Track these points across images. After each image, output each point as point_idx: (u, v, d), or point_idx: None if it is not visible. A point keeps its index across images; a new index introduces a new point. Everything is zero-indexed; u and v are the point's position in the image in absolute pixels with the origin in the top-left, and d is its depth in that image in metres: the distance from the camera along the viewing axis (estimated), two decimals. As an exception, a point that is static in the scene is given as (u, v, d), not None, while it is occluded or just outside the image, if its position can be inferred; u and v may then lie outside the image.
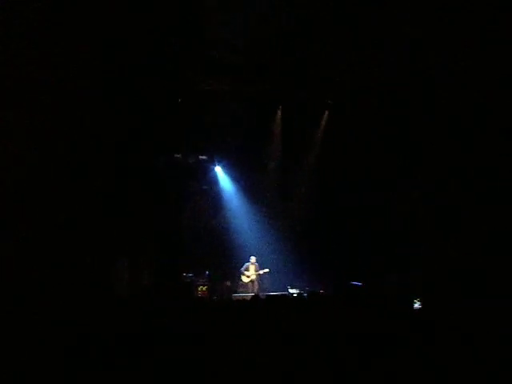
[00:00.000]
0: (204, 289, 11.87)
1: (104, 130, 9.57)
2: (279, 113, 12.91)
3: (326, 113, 12.94)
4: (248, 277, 12.36)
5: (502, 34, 8.69)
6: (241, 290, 12.30)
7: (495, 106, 9.00)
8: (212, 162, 13.19)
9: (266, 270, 12.34)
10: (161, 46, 10.08)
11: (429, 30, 9.49)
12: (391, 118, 11.16)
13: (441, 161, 10.38)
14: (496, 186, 9.06)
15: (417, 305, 5.20)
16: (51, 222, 8.05)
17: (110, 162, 9.85)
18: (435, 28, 9.41)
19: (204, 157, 13.05)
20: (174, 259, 11.99)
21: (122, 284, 10.23)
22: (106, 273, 9.51)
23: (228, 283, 12.61)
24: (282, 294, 9.58)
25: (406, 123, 11.05)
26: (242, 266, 12.46)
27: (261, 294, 11.46)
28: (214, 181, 13.34)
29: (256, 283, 12.30)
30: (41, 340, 3.71)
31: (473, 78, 9.16)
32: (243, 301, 5.79)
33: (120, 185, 10.31)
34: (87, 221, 8.93)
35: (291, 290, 11.90)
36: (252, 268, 12.36)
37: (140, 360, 3.69)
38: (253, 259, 12.37)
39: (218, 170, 13.28)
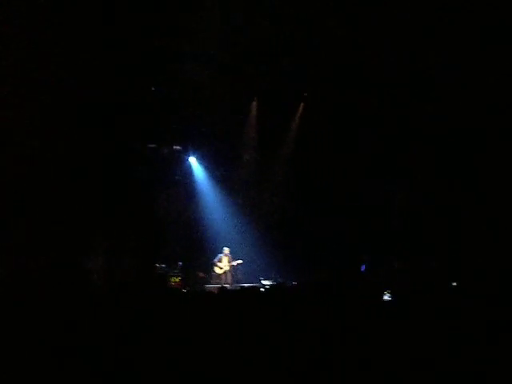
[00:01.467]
0: (177, 280, 11.83)
1: (79, 119, 9.44)
2: (255, 104, 12.89)
3: (302, 105, 12.99)
4: (221, 268, 12.36)
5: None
6: (214, 281, 12.30)
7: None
8: (186, 152, 13.11)
9: (239, 262, 12.36)
10: (134, 37, 9.96)
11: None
12: (364, 111, 11.26)
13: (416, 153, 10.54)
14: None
15: (386, 297, 5.25)
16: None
17: (84, 150, 9.73)
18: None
19: (178, 147, 12.96)
20: (148, 250, 11.92)
21: (97, 271, 10.14)
22: (81, 264, 9.42)
23: (201, 274, 12.59)
24: (252, 286, 9.65)
25: (377, 115, 11.17)
26: (215, 257, 12.46)
27: (234, 285, 11.52)
28: (188, 171, 13.26)
29: (229, 274, 12.31)
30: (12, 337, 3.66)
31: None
32: (211, 293, 5.80)
33: (94, 173, 10.19)
34: (60, 213, 8.84)
35: (264, 282, 11.96)
36: (225, 259, 12.37)
37: (117, 351, 3.68)
38: (226, 250, 12.38)
39: (193, 160, 13.21)
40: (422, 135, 10.46)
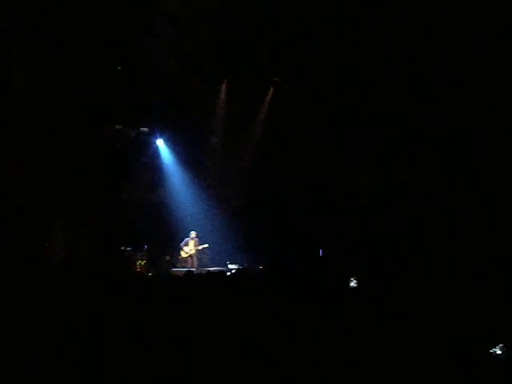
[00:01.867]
0: (142, 263, 11.74)
1: (48, 98, 9.20)
2: (224, 86, 12.78)
3: (271, 89, 12.94)
4: (187, 252, 12.32)
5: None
6: (180, 264, 12.26)
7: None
8: (154, 134, 12.93)
9: (206, 246, 12.34)
10: (103, 16, 9.71)
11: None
12: (336, 97, 11.30)
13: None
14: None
15: (353, 283, 5.32)
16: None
17: (52, 129, 9.49)
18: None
19: (145, 129, 12.77)
20: (113, 232, 11.76)
21: (59, 256, 9.96)
22: (41, 244, 9.23)
23: (167, 258, 12.53)
24: (219, 270, 9.64)
25: (351, 102, 11.23)
26: (181, 241, 12.39)
27: (200, 269, 11.50)
28: (155, 154, 13.10)
29: (195, 258, 12.28)
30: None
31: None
32: (178, 276, 5.77)
33: (61, 153, 9.96)
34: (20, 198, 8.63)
35: (230, 266, 11.98)
36: (192, 243, 12.32)
37: (81, 334, 3.63)
38: (193, 234, 12.33)
39: (160, 143, 13.05)
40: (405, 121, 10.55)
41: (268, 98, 12.98)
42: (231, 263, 12.22)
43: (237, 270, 11.35)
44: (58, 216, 10.08)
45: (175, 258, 12.50)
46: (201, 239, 12.39)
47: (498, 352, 5.03)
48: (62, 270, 9.39)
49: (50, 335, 3.59)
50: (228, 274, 6.76)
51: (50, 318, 3.87)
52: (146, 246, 12.02)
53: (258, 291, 4.77)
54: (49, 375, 3.16)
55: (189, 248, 12.30)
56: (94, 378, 3.22)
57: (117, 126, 12.28)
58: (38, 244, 9.02)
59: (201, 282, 4.95)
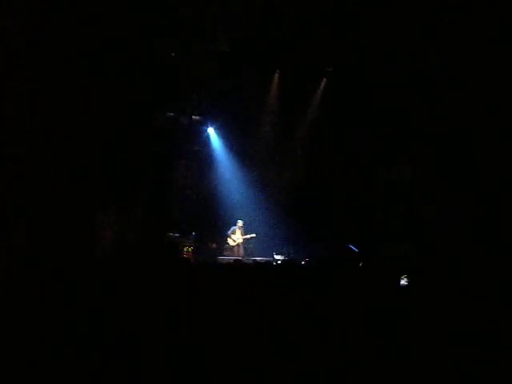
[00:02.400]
0: (189, 250, 11.87)
1: (97, 86, 9.36)
2: (277, 76, 12.71)
3: (324, 80, 12.77)
4: (234, 240, 12.36)
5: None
6: (226, 253, 12.32)
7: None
8: (205, 123, 13.02)
9: (253, 235, 12.34)
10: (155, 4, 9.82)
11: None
12: (390, 89, 11.01)
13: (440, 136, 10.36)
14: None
15: (403, 281, 5.17)
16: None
17: (105, 116, 9.67)
18: None
19: (197, 117, 12.87)
20: (162, 218, 11.95)
21: (107, 242, 10.18)
22: (89, 229, 9.45)
23: (214, 245, 12.62)
24: (266, 260, 9.64)
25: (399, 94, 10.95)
26: (228, 229, 12.45)
27: (246, 258, 11.54)
28: (206, 142, 13.20)
29: (241, 247, 12.32)
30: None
31: None
32: (227, 264, 5.77)
33: (112, 139, 10.15)
34: (78, 174, 8.84)
35: (277, 257, 11.95)
36: (238, 232, 12.36)
37: (124, 320, 3.67)
38: (240, 223, 12.36)
39: (211, 131, 13.12)
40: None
41: (320, 88, 12.82)
42: (277, 254, 12.19)
43: (283, 261, 11.33)
44: (108, 202, 10.29)
45: (222, 246, 12.58)
46: (248, 228, 12.41)
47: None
48: (111, 255, 9.63)
49: (100, 320, 3.63)
50: (275, 264, 6.73)
51: (99, 303, 3.92)
52: (193, 233, 12.16)
53: (304, 285, 4.71)
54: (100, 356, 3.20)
55: (236, 236, 12.35)
56: (138, 363, 3.24)
57: (168, 114, 12.44)
58: (87, 230, 9.25)
59: (248, 271, 4.94)
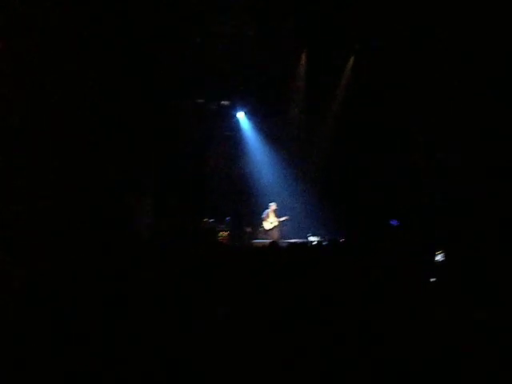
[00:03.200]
0: (225, 234, 11.98)
1: (126, 72, 9.46)
2: (304, 57, 12.57)
3: (352, 58, 12.56)
4: (270, 223, 12.39)
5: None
6: (261, 236, 12.37)
7: None
8: (234, 107, 13.03)
9: (286, 218, 12.34)
10: None
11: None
12: (422, 64, 10.74)
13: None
14: None
15: (439, 257, 5.08)
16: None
17: (131, 107, 9.78)
18: None
19: (226, 102, 12.89)
20: (196, 204, 12.08)
21: (145, 228, 10.38)
22: (128, 216, 9.63)
23: (248, 229, 12.69)
24: (302, 242, 9.63)
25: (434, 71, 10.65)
26: (262, 213, 12.48)
27: (281, 241, 11.55)
28: (236, 126, 13.21)
29: (276, 230, 12.33)
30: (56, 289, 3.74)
31: None
32: (262, 247, 5.80)
33: (143, 130, 10.27)
34: (112, 162, 9.00)
35: (311, 238, 11.93)
36: (272, 215, 12.37)
37: (163, 302, 3.72)
38: (273, 206, 12.36)
39: (241, 115, 13.12)
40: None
41: (349, 66, 12.62)
42: (312, 235, 12.16)
43: (318, 242, 11.31)
44: (144, 190, 10.47)
45: (256, 230, 12.63)
46: (281, 211, 12.41)
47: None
48: (150, 240, 9.79)
49: (139, 306, 3.69)
50: (312, 245, 6.72)
51: (137, 289, 3.98)
52: (227, 218, 12.25)
53: (342, 264, 4.70)
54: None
55: (270, 220, 12.37)
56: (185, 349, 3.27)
57: (198, 100, 12.49)
58: (127, 216, 9.43)
59: (285, 254, 4.96)
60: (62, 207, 7.64)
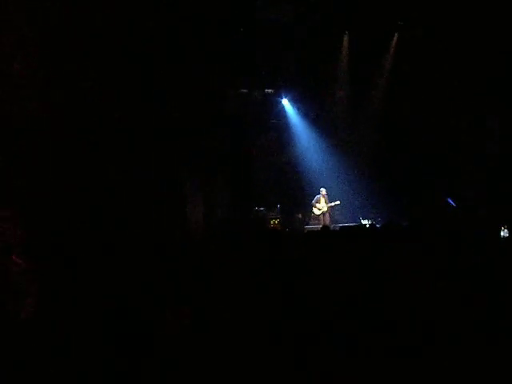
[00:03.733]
0: (276, 222, 12.04)
1: (169, 67, 9.58)
2: (346, 38, 12.39)
3: (396, 35, 12.27)
4: (319, 209, 12.35)
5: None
6: (312, 222, 12.37)
7: None
8: (279, 95, 13.02)
9: (337, 202, 12.27)
10: None
11: None
12: (469, 38, 10.36)
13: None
14: None
15: (504, 233, 4.93)
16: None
17: (176, 100, 9.90)
18: None
19: (270, 90, 12.89)
20: (246, 194, 12.18)
21: (198, 218, 10.55)
22: (181, 207, 9.82)
23: (299, 216, 12.71)
24: (355, 225, 9.56)
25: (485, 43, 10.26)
26: (312, 199, 12.46)
27: (332, 225, 11.51)
28: (282, 114, 13.21)
29: (327, 215, 12.29)
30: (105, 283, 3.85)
31: None
32: (315, 232, 5.81)
33: (189, 123, 10.39)
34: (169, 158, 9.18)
35: (363, 221, 11.84)
36: (323, 200, 12.32)
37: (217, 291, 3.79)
38: (323, 191, 12.31)
39: (285, 102, 13.11)
40: None
41: (393, 43, 12.34)
42: (364, 219, 12.06)
43: (370, 225, 11.20)
44: (196, 177, 10.62)
45: (307, 216, 12.63)
46: (331, 195, 12.35)
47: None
48: (202, 231, 9.98)
49: (195, 295, 3.76)
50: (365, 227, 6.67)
51: (195, 279, 4.06)
52: (278, 206, 12.30)
53: (397, 247, 4.63)
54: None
55: (321, 205, 12.33)
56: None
57: (242, 90, 12.54)
58: (181, 207, 9.62)
59: (338, 237, 4.95)
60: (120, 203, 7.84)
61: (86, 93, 7.79)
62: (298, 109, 13.06)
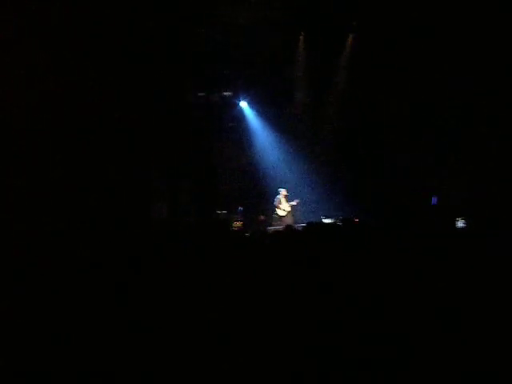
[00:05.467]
0: (239, 224, 11.99)
1: (129, 70, 9.46)
2: (301, 39, 12.49)
3: (351, 36, 12.45)
4: (283, 209, 12.38)
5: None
6: (275, 223, 12.36)
7: None
8: (236, 97, 12.98)
9: (297, 201, 12.30)
10: None
11: None
12: (424, 36, 10.61)
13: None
14: None
15: (460, 223, 5.04)
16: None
17: (135, 103, 9.77)
18: None
19: (228, 93, 12.84)
20: (208, 198, 12.10)
21: (159, 224, 10.39)
22: (144, 213, 9.69)
23: (262, 217, 12.69)
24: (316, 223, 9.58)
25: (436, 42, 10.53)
26: (274, 200, 12.47)
27: (295, 225, 11.53)
28: (240, 117, 13.18)
29: (290, 215, 12.33)
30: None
31: None
32: (278, 231, 5.79)
33: (147, 127, 10.26)
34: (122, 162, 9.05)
35: (325, 220, 11.91)
36: (284, 201, 12.36)
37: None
38: (283, 192, 12.35)
39: (244, 105, 13.09)
40: None
41: (348, 44, 12.52)
42: (326, 218, 12.14)
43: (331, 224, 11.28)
44: (159, 183, 10.52)
45: (270, 217, 12.63)
46: (293, 196, 12.39)
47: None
48: (166, 230, 9.82)
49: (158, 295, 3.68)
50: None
51: (157, 278, 3.98)
52: (240, 208, 12.26)
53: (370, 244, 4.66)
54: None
55: (282, 206, 12.36)
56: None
57: (199, 93, 12.46)
58: (145, 206, 9.50)
59: (303, 235, 4.95)
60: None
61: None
62: (257, 110, 13.06)
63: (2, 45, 6.87)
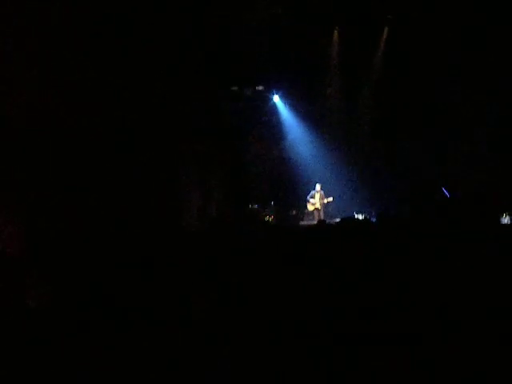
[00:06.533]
0: (270, 219, 12.02)
1: (160, 68, 9.54)
2: (336, 34, 12.36)
3: (386, 29, 12.25)
4: (313, 204, 12.34)
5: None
6: (306, 218, 12.35)
7: None
8: (270, 91, 12.96)
9: (330, 199, 12.24)
10: None
11: None
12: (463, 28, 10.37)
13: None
14: None
15: (505, 219, 4.89)
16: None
17: (165, 102, 9.85)
18: None
19: (261, 87, 12.83)
20: (240, 191, 12.14)
21: (192, 217, 10.51)
22: (175, 206, 9.78)
23: (293, 212, 12.68)
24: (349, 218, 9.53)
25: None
26: (307, 195, 12.44)
27: (327, 221, 11.49)
28: (273, 111, 13.15)
29: (321, 211, 12.28)
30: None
31: None
32: (309, 225, 5.79)
33: (180, 122, 10.34)
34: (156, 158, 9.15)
35: (358, 216, 11.81)
36: (317, 196, 12.31)
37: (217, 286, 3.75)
38: (318, 187, 12.30)
39: (277, 99, 13.05)
40: None
41: (383, 37, 12.32)
42: (358, 213, 12.04)
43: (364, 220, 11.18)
44: (192, 179, 10.61)
45: (301, 212, 12.61)
46: (326, 191, 12.33)
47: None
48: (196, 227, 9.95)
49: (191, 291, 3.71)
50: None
51: (190, 273, 4.01)
52: (272, 202, 12.27)
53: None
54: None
55: (315, 201, 12.32)
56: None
57: (232, 88, 12.47)
58: (172, 203, 9.60)
59: (335, 230, 4.92)
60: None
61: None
62: (290, 104, 13.01)
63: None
